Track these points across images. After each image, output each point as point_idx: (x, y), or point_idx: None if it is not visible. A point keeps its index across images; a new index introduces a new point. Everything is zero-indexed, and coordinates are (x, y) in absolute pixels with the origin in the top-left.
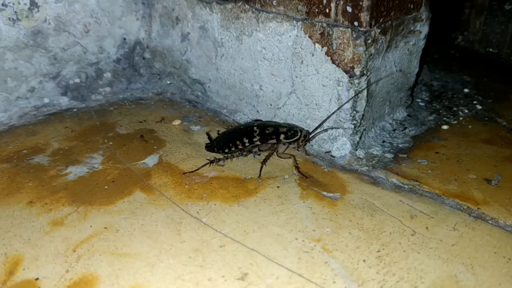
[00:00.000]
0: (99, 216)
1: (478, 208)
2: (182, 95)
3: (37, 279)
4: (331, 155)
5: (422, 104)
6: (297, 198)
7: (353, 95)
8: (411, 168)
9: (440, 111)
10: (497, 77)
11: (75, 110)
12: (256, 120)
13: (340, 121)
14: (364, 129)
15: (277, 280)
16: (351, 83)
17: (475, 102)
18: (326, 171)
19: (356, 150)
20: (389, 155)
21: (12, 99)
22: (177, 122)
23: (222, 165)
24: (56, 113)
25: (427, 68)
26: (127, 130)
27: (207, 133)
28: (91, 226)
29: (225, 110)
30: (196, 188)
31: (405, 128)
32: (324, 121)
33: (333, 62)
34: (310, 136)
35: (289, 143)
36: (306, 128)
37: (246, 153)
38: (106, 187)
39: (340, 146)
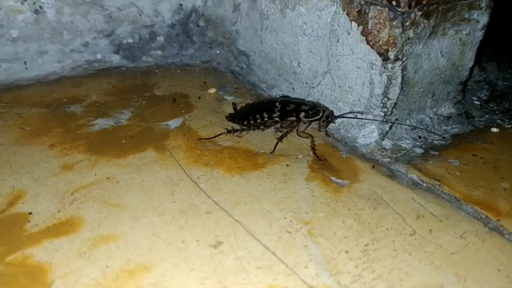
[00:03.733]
0: (107, 166)
1: (497, 220)
2: (227, 65)
3: (30, 213)
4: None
5: (477, 102)
6: (303, 179)
7: (385, 80)
8: (438, 167)
9: (496, 113)
10: None
11: (123, 68)
12: (283, 96)
13: (371, 107)
14: (396, 119)
15: (249, 254)
16: (384, 67)
17: None
18: (344, 157)
19: (383, 139)
20: (418, 150)
21: (67, 51)
22: (212, 90)
23: (240, 137)
24: (105, 69)
25: (496, 66)
26: (163, 92)
27: (233, 103)
28: (95, 175)
29: (264, 85)
30: (206, 154)
31: (448, 125)
32: (349, 113)
33: (368, 42)
34: (333, 118)
35: (310, 122)
36: (330, 109)
37: (263, 128)
38: (123, 141)
39: (367, 134)
